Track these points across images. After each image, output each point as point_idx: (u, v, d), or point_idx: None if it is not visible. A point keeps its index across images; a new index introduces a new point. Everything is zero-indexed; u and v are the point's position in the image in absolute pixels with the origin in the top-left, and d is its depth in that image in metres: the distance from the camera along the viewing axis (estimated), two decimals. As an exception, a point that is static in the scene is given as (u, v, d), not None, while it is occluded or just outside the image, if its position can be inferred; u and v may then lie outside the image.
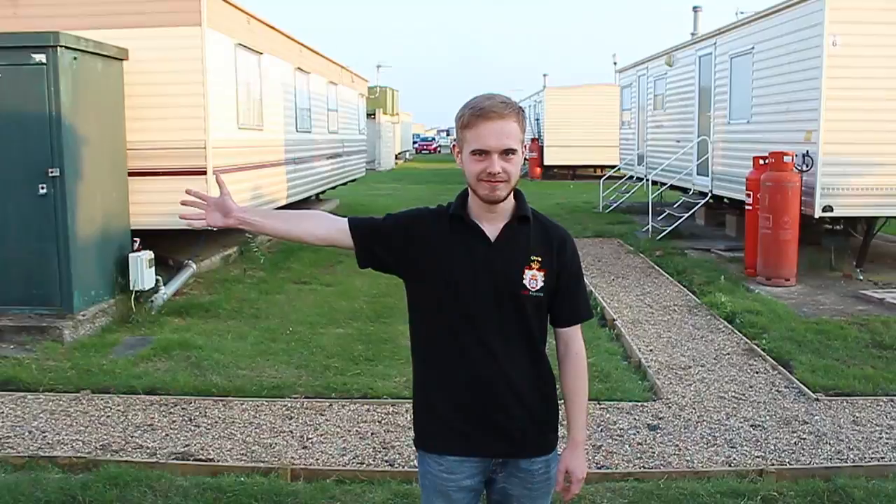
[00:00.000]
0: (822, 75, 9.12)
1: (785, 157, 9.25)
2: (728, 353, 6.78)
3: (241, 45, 9.94)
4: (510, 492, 2.38)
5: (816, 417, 5.31)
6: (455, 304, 2.26)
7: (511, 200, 2.29)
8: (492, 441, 2.31)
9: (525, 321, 2.28)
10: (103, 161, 7.76)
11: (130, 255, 7.91)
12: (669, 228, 13.34)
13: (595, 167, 29.39)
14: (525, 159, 2.50)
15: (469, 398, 2.29)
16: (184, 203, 2.34)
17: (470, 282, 2.25)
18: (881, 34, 9.12)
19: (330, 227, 2.35)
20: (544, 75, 31.92)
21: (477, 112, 2.19)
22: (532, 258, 2.27)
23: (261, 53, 10.89)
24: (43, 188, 6.98)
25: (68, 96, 7.03)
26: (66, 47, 7.00)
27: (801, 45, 9.67)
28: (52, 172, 6.97)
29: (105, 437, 4.99)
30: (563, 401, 2.43)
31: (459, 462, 2.32)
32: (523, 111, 2.27)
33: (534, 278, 2.26)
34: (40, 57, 6.84)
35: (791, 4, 9.96)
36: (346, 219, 2.36)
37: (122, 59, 8.17)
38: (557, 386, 2.43)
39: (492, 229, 2.27)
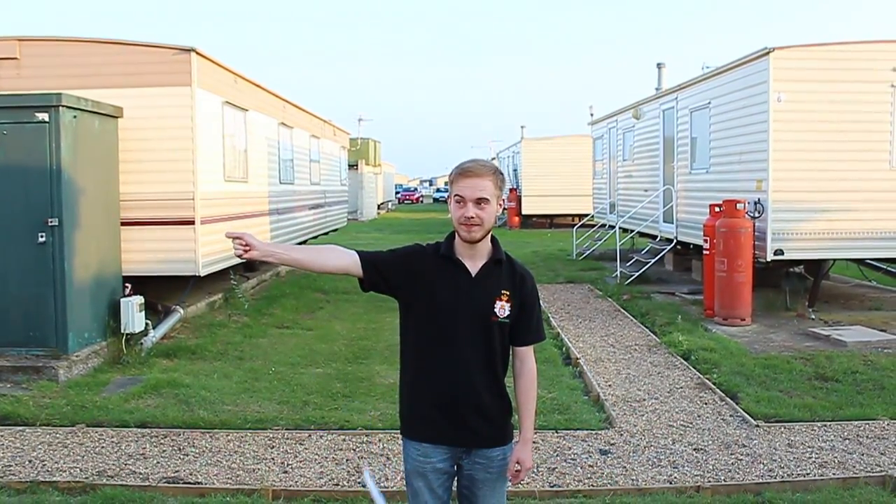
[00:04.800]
0: (769, 128, 9.86)
1: (738, 205, 9.92)
2: (681, 387, 7.28)
3: (228, 102, 10.51)
4: (475, 477, 2.97)
5: (755, 441, 5.81)
6: (439, 324, 2.88)
7: (489, 245, 2.93)
8: (460, 433, 2.91)
9: (491, 341, 2.90)
10: (98, 211, 8.26)
11: (122, 299, 8.36)
12: (637, 274, 13.92)
13: (572, 216, 29.88)
14: (504, 209, 3.15)
15: (445, 398, 2.90)
16: (228, 236, 2.87)
17: (453, 307, 2.86)
18: (821, 91, 9.91)
19: (345, 259, 2.89)
20: (522, 127, 32.76)
21: (460, 171, 2.87)
22: (503, 291, 2.90)
23: (246, 110, 11.47)
24: (42, 237, 7.47)
25: (68, 152, 7.57)
26: (67, 107, 7.56)
27: (750, 100, 10.43)
28: (51, 222, 7.47)
29: (100, 464, 5.39)
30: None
31: (433, 448, 2.92)
32: (500, 172, 2.93)
33: (502, 308, 2.88)
34: (43, 116, 7.40)
35: (740, 63, 10.76)
36: (356, 252, 2.93)
37: (117, 117, 8.73)
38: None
39: (473, 266, 2.90)
